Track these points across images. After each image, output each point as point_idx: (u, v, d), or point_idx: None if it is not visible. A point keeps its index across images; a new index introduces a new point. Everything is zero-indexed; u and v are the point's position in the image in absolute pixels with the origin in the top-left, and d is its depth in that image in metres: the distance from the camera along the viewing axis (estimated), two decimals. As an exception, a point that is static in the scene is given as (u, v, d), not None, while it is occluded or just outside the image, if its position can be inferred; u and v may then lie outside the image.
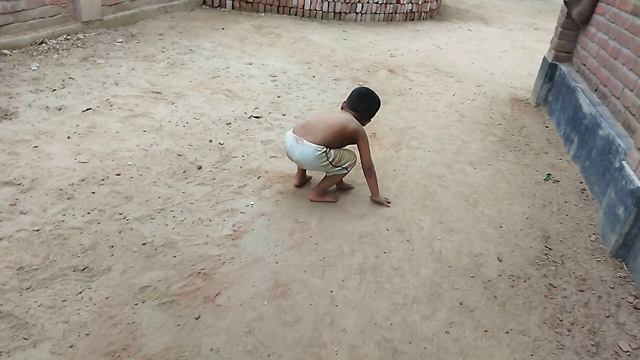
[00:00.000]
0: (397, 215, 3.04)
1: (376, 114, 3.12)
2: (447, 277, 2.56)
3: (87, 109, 3.87)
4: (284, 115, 4.26)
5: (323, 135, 2.85)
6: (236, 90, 4.65)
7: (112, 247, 2.48)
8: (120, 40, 5.63)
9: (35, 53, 4.85)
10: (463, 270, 2.63)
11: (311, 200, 3.05)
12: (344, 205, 3.08)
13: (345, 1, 7.89)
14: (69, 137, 3.43)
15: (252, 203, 2.98)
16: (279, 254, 2.58)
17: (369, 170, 3.03)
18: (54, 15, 5.33)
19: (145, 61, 5.11)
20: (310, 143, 2.84)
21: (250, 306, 2.24)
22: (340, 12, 7.97)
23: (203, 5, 7.78)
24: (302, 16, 7.89)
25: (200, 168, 3.27)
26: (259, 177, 3.26)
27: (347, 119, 2.93)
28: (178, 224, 2.71)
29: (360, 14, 8.09)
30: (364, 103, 3.04)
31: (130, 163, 3.21)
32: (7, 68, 4.41)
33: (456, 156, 3.90)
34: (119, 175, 3.06)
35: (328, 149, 2.86)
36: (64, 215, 2.65)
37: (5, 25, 4.80)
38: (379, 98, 3.09)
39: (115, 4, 6.12)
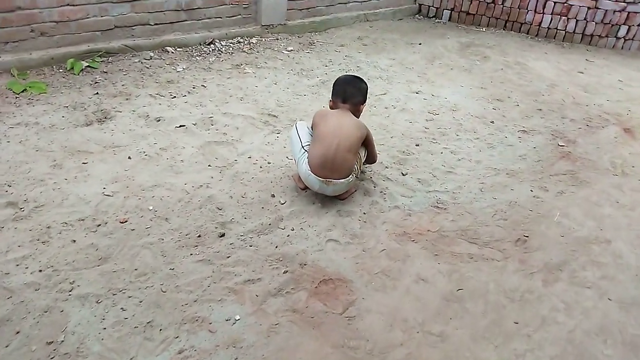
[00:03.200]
0: None
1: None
2: None
3: (180, 126, 3.39)
4: (404, 175, 3.02)
5: (348, 165, 2.61)
6: (368, 127, 3.58)
7: (18, 333, 1.84)
8: (291, 48, 5.10)
9: (196, 53, 4.68)
10: None
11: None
12: (372, 371, 1.80)
13: (602, 21, 5.79)
14: (129, 158, 2.98)
15: (238, 318, 1.96)
16: None
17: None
18: (232, 16, 5.11)
19: (297, 75, 4.44)
20: (340, 180, 2.60)
21: None
22: (591, 35, 5.89)
23: (417, 15, 6.75)
24: (536, 35, 6.11)
25: (222, 236, 2.39)
26: (285, 272, 2.21)
27: (357, 126, 2.64)
28: (115, 324, 1.91)
29: (622, 40, 5.84)
30: (352, 88, 2.76)
31: (150, 208, 2.54)
32: (155, 66, 4.30)
33: (665, 326, 2.07)
34: (123, 223, 2.43)
35: (354, 171, 2.66)
36: (17, 266, 2.13)
37: (177, 22, 4.74)
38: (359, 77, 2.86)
39: (306, 9, 5.63)
